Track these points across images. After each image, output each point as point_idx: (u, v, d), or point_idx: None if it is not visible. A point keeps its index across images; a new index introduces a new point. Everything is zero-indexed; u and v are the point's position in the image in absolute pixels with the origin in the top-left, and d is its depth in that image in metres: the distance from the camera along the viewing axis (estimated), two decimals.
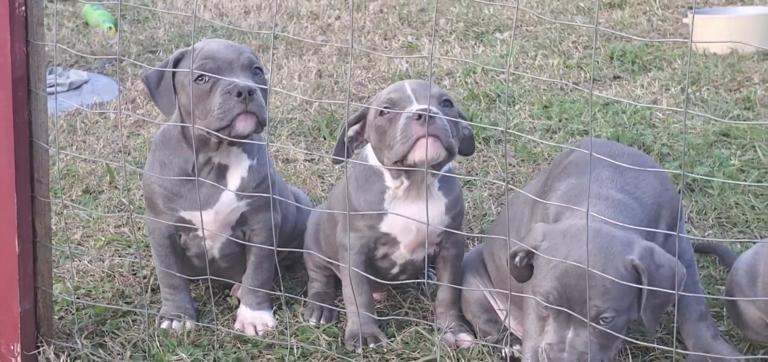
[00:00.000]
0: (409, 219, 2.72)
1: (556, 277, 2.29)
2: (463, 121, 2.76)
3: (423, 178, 2.69)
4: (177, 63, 2.83)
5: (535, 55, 5.81)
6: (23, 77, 2.61)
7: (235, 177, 2.88)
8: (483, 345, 2.76)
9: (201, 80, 2.75)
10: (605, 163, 2.51)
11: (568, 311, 2.28)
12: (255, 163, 2.89)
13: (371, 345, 2.79)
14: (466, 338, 2.83)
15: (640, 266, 2.27)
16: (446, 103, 2.67)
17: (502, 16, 6.86)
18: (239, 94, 2.70)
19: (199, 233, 2.88)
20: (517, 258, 2.41)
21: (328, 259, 2.98)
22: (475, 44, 6.26)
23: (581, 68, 5.58)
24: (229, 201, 2.88)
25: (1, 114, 2.59)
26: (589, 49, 5.77)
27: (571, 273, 2.27)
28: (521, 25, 6.57)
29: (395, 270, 2.93)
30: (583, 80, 5.36)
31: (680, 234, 2.43)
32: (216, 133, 2.74)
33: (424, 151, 2.58)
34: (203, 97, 2.74)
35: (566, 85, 5.13)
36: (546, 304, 2.31)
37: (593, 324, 2.28)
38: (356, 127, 2.80)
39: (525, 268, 2.42)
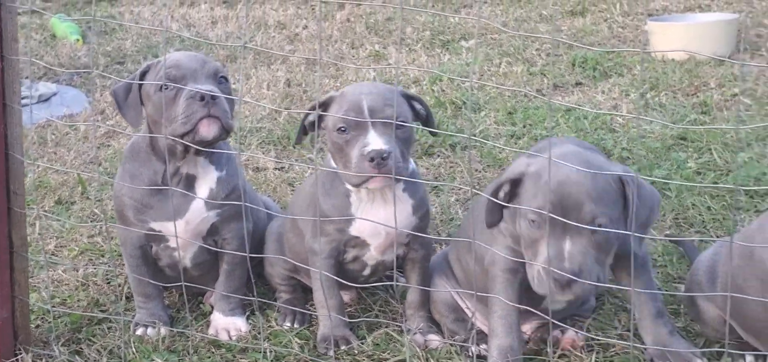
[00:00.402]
0: (377, 223, 2.81)
1: (550, 190, 2.38)
2: (420, 112, 2.87)
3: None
4: (143, 75, 2.91)
5: (500, 63, 5.93)
6: None
7: (204, 187, 2.95)
8: (451, 345, 2.85)
9: (166, 88, 2.82)
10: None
11: (564, 220, 2.36)
12: (223, 174, 2.96)
13: (343, 348, 2.88)
14: (434, 338, 2.92)
15: (626, 178, 2.43)
16: (400, 126, 2.72)
17: (467, 25, 6.97)
18: (202, 99, 2.77)
19: (171, 243, 2.95)
20: (502, 192, 2.51)
21: (299, 263, 3.04)
22: (442, 52, 6.36)
23: (544, 75, 5.70)
24: (198, 210, 2.95)
25: None
26: (551, 57, 5.89)
27: (565, 182, 2.38)
28: (486, 34, 6.68)
29: (367, 272, 3.01)
30: (546, 87, 5.48)
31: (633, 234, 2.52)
32: (181, 140, 2.81)
33: (376, 184, 2.70)
34: (168, 105, 2.81)
35: (529, 92, 5.24)
36: (539, 216, 2.39)
37: (592, 229, 2.37)
38: (315, 118, 2.84)
39: (497, 211, 2.54)
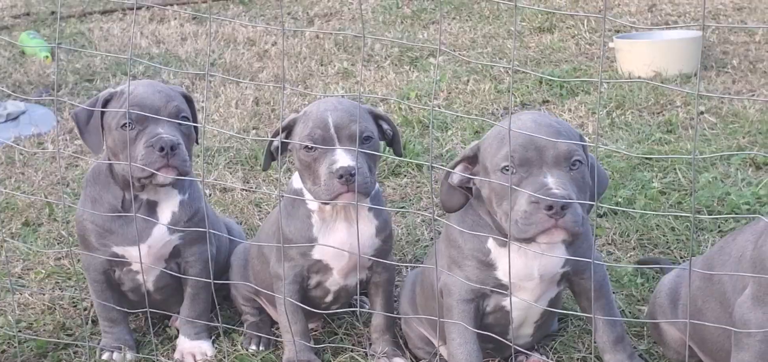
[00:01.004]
0: (337, 248, 2.82)
1: (518, 141, 2.39)
2: (386, 132, 2.90)
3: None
4: (106, 103, 2.90)
5: (468, 80, 5.97)
6: None
7: (166, 212, 2.96)
8: None
9: (126, 127, 2.82)
10: None
11: (541, 159, 2.39)
12: (186, 198, 2.97)
13: None
14: (400, 361, 2.94)
15: (585, 139, 2.51)
16: (367, 140, 2.76)
17: (435, 42, 7.01)
18: (161, 149, 2.78)
19: (133, 267, 2.96)
20: (458, 171, 2.56)
21: (264, 290, 3.05)
22: (410, 69, 6.40)
23: (510, 92, 5.73)
24: (160, 235, 2.96)
25: None
26: (518, 74, 5.93)
27: (533, 128, 2.42)
28: (454, 50, 6.73)
29: (329, 298, 3.02)
30: (514, 104, 5.52)
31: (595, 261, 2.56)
32: (138, 180, 2.83)
33: (346, 200, 2.71)
34: (128, 144, 2.82)
35: (496, 111, 5.28)
36: (512, 161, 2.39)
37: (569, 165, 2.41)
38: (282, 135, 2.86)
39: (457, 193, 2.58)
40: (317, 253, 2.88)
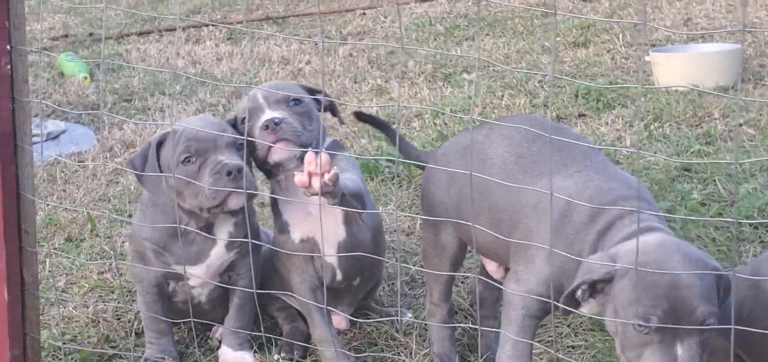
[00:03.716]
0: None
1: (660, 295, 2.23)
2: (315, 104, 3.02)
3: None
4: (159, 146, 2.94)
5: (502, 95, 5.97)
6: (9, 132, 2.72)
7: (223, 231, 3.01)
8: None
9: (188, 162, 2.87)
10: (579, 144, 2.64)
11: (675, 326, 2.23)
12: (241, 218, 2.99)
13: None
14: None
15: (725, 277, 2.34)
16: (295, 102, 2.94)
17: (469, 57, 7.02)
18: (229, 173, 2.82)
19: (190, 282, 3.01)
20: (580, 292, 2.35)
21: (302, 299, 3.07)
22: (443, 85, 6.41)
23: (547, 106, 5.74)
24: (218, 255, 3.02)
25: None
26: (554, 89, 5.93)
27: (676, 285, 2.24)
28: (488, 66, 6.74)
29: (339, 276, 3.05)
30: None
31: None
32: (198, 208, 2.87)
33: (280, 152, 2.89)
34: (192, 178, 2.86)
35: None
36: (648, 327, 2.23)
37: (701, 328, 2.24)
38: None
39: (573, 301, 2.38)
40: (296, 234, 2.98)
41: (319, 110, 3.04)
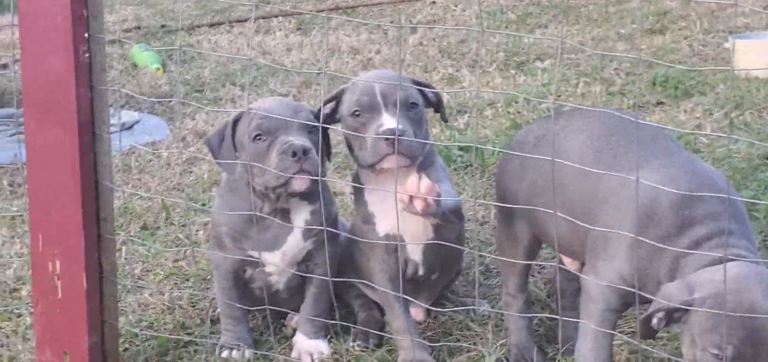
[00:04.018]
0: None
1: (738, 325, 2.17)
2: (431, 99, 2.95)
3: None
4: (236, 123, 2.95)
5: (577, 83, 5.87)
6: (88, 121, 2.73)
7: (299, 218, 2.99)
8: None
9: (259, 139, 2.86)
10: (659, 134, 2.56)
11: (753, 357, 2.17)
12: (317, 206, 2.98)
13: None
14: None
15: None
16: (412, 106, 2.85)
17: (542, 45, 6.93)
18: (294, 154, 2.80)
19: (267, 269, 3.00)
20: (656, 320, 2.30)
21: (381, 289, 3.04)
22: (516, 74, 6.33)
23: (624, 94, 5.63)
24: (295, 243, 3.00)
25: (68, 157, 2.71)
26: (631, 76, 5.81)
27: (754, 315, 2.17)
28: (562, 54, 6.64)
29: (421, 272, 3.03)
30: (626, 106, 5.41)
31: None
32: (266, 187, 2.86)
33: (391, 163, 2.78)
34: (261, 156, 2.86)
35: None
36: (723, 356, 2.18)
37: None
38: (332, 104, 2.97)
39: (649, 328, 2.32)
40: (382, 228, 2.92)
41: (428, 106, 2.95)
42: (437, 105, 2.99)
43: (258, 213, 2.89)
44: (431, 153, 2.99)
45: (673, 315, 2.28)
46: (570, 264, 2.86)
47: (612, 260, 2.46)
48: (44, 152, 2.72)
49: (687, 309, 2.25)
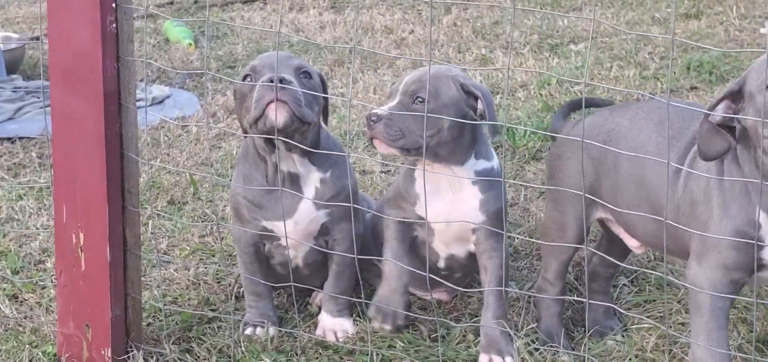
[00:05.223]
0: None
1: None
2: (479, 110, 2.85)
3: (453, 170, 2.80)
4: (245, 78, 2.93)
5: (611, 67, 5.80)
6: (114, 91, 2.71)
7: (309, 187, 2.95)
8: None
9: (247, 79, 2.87)
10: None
11: None
12: (328, 176, 2.95)
13: (387, 326, 2.87)
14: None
15: None
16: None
17: (576, 28, 6.85)
18: (271, 81, 2.75)
19: (283, 242, 2.95)
20: (724, 105, 2.23)
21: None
22: (550, 56, 6.26)
23: (657, 79, 5.55)
24: (307, 211, 2.95)
25: (93, 127, 2.70)
26: (665, 60, 5.73)
27: None
28: (596, 37, 6.55)
29: (441, 264, 2.99)
30: (660, 91, 5.33)
31: None
32: (257, 133, 2.82)
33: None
34: (246, 96, 2.84)
35: (642, 95, 5.10)
36: None
37: None
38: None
39: (718, 135, 2.24)
40: (419, 208, 2.86)
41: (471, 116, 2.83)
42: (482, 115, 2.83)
43: (269, 188, 2.90)
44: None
45: (734, 107, 2.22)
46: (637, 249, 2.83)
47: (713, 246, 2.34)
48: (70, 123, 2.71)
49: (741, 87, 2.21)
